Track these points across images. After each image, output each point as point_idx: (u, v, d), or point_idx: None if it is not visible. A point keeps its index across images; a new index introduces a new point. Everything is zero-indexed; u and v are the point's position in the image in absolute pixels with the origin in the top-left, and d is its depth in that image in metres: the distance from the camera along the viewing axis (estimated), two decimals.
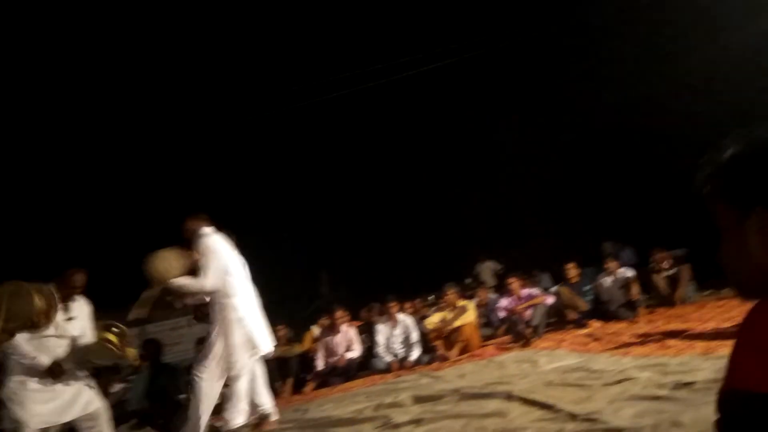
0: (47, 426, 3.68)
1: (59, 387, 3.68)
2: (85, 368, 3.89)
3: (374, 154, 13.63)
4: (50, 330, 3.66)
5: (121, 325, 3.95)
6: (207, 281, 4.15)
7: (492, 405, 3.61)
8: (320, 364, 7.20)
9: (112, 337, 3.80)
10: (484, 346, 6.84)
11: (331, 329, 7.39)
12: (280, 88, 12.47)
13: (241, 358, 4.20)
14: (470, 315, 6.86)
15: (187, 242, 4.36)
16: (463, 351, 6.61)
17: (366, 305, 8.88)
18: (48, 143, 10.97)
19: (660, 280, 7.23)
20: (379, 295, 8.06)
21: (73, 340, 3.83)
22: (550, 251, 9.80)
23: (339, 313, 7.40)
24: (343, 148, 13.54)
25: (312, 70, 12.67)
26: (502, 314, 7.12)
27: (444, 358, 6.52)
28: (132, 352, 4.10)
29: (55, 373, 3.63)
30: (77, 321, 3.87)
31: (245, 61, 12.76)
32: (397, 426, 3.51)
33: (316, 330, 8.19)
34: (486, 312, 7.88)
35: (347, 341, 7.28)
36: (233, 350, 4.18)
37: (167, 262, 4.09)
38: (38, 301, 3.01)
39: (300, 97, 12.27)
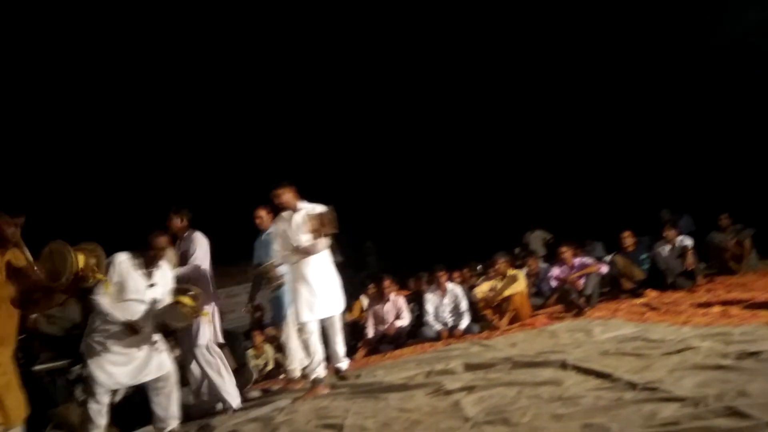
0: (120, 387, 3.86)
1: (134, 351, 3.84)
2: (159, 330, 4.04)
3: (421, 122, 13.44)
4: (132, 294, 3.84)
5: (195, 288, 4.09)
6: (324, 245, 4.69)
7: (546, 373, 3.57)
8: (370, 332, 7.30)
9: (186, 300, 3.94)
10: (534, 315, 6.76)
11: (380, 298, 7.46)
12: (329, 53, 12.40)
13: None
14: (520, 284, 6.77)
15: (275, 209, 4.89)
16: (513, 320, 6.55)
17: (414, 275, 8.91)
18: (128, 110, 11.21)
19: (727, 242, 7.00)
20: (427, 264, 8.05)
21: (153, 304, 3.97)
22: (603, 219, 9.53)
23: (386, 283, 7.46)
24: (389, 115, 13.38)
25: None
26: (553, 283, 7.00)
27: (494, 327, 6.49)
28: (206, 314, 4.25)
29: (131, 330, 3.78)
30: (159, 287, 4.00)
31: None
32: (449, 392, 3.51)
33: (364, 300, 8.29)
34: (536, 281, 7.78)
35: (396, 310, 7.33)
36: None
37: (332, 221, 4.53)
38: (81, 257, 3.12)
39: (344, 65, 12.20)
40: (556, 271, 6.98)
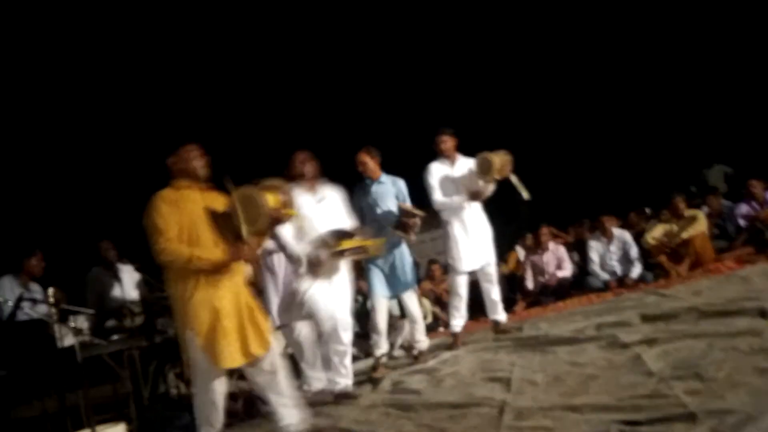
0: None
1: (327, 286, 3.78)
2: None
3: (579, 54, 12.37)
4: (309, 221, 3.73)
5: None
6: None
7: (741, 323, 3.14)
8: (529, 283, 7.04)
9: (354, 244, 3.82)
10: (719, 259, 5.99)
11: (538, 248, 7.14)
12: None
13: None
14: (700, 225, 6.03)
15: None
16: (694, 266, 5.87)
17: (574, 222, 8.42)
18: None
19: None
20: (586, 210, 7.52)
21: (328, 221, 3.83)
22: None
23: (544, 231, 7.10)
24: (545, 51, 12.47)
25: None
26: (741, 222, 6.19)
27: (670, 275, 5.89)
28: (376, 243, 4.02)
29: (314, 265, 3.72)
30: (328, 200, 3.95)
31: None
32: (626, 345, 3.23)
33: (520, 250, 8.00)
34: (720, 221, 6.90)
35: (556, 259, 6.98)
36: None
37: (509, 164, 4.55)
38: (272, 197, 2.92)
39: None
40: (743, 208, 6.19)
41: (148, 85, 10.58)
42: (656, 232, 6.23)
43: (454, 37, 12.49)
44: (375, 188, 4.52)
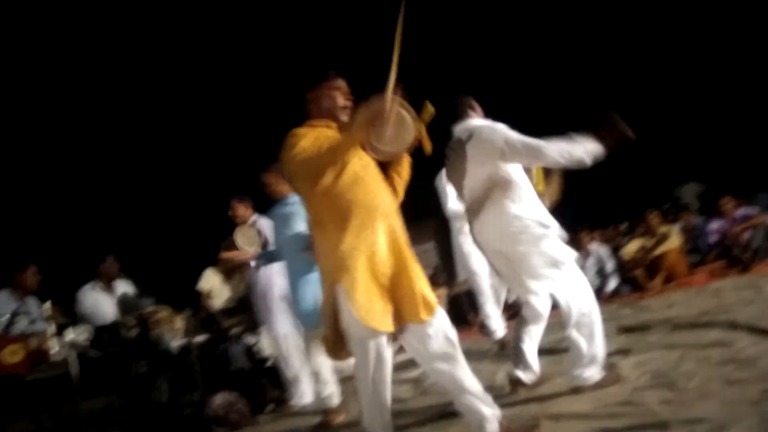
0: None
1: None
2: None
3: (551, 70, 12.65)
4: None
5: None
6: None
7: (712, 335, 3.30)
8: (510, 298, 7.16)
9: None
10: (692, 273, 6.22)
11: None
12: None
13: None
14: (674, 241, 6.25)
15: None
16: (668, 280, 6.09)
17: None
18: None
19: None
20: (566, 225, 7.66)
21: None
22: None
23: None
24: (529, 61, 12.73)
25: None
26: (712, 238, 6.41)
27: (645, 289, 6.08)
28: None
29: None
30: None
31: None
32: None
33: None
34: (692, 237, 7.15)
35: None
36: None
37: None
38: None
39: None
40: (715, 224, 6.41)
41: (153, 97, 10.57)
42: (631, 248, 6.44)
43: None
44: (280, 211, 3.76)
